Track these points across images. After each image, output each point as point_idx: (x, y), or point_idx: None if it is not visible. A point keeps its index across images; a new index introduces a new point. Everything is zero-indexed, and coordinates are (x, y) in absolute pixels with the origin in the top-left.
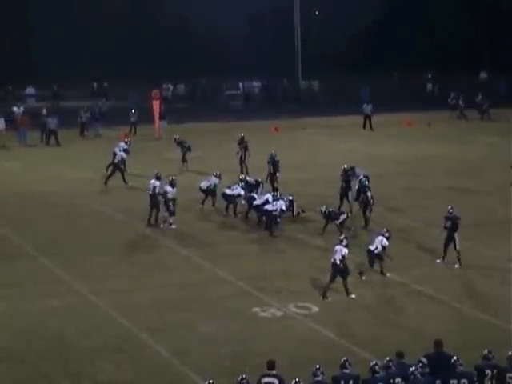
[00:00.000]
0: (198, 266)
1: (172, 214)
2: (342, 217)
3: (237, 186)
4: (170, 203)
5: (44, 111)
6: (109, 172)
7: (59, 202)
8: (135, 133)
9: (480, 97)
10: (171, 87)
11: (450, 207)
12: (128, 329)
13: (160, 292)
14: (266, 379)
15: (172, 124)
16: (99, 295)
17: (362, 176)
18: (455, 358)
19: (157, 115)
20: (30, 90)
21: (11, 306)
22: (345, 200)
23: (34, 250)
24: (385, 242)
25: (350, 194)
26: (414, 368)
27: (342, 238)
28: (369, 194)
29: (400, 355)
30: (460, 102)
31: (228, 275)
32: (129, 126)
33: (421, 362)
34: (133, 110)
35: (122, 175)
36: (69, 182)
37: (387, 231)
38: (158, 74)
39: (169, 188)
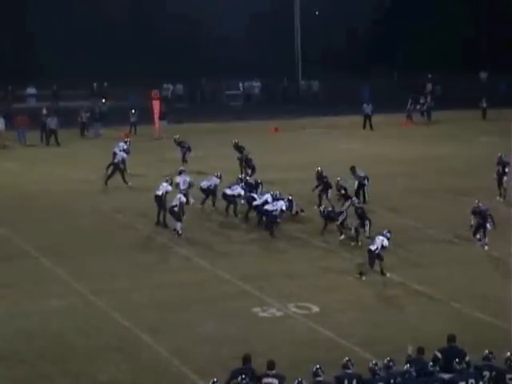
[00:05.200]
0: (198, 266)
1: (180, 220)
2: (341, 217)
3: (237, 186)
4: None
5: (44, 111)
6: (109, 172)
7: (59, 202)
8: (135, 133)
9: (428, 98)
10: (171, 87)
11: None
12: (128, 329)
13: (160, 292)
14: (266, 380)
15: (172, 124)
16: (99, 295)
17: (362, 176)
18: (487, 351)
19: (156, 115)
20: (31, 90)
21: (11, 306)
22: (324, 197)
23: (34, 250)
24: (385, 242)
25: (329, 192)
26: (407, 366)
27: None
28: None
29: (420, 351)
30: (410, 105)
31: (228, 275)
32: (129, 126)
33: (435, 356)
34: (133, 110)
35: (122, 175)
36: (69, 181)
37: (388, 232)
38: (157, 74)
39: (183, 198)
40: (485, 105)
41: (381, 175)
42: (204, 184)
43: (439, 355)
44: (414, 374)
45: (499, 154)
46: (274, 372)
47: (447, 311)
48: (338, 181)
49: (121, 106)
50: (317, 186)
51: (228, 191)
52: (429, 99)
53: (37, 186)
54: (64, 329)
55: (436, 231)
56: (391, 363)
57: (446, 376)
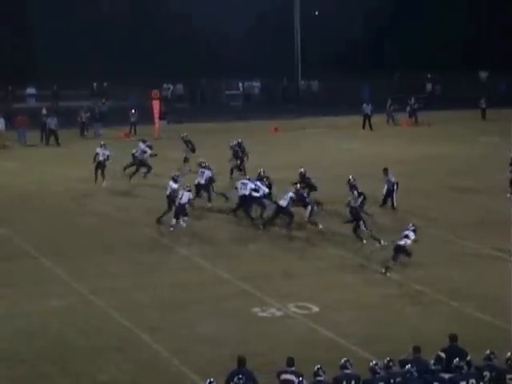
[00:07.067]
0: (198, 266)
1: (187, 215)
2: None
3: (259, 184)
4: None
5: (44, 111)
6: (133, 170)
7: (59, 202)
8: (135, 133)
9: (412, 100)
10: (171, 87)
11: None
12: (128, 328)
13: (160, 291)
14: (284, 376)
15: (172, 124)
16: (99, 295)
17: (393, 181)
18: (488, 351)
19: (156, 115)
20: (31, 90)
21: (11, 306)
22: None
23: (34, 250)
24: (411, 235)
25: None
26: (409, 366)
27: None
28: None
29: (417, 350)
30: (390, 107)
31: (228, 275)
32: (128, 126)
33: (438, 356)
34: (132, 110)
35: (136, 171)
36: (69, 181)
37: (413, 225)
38: (157, 74)
39: (190, 196)
40: (484, 105)
41: (381, 175)
42: (199, 180)
43: (443, 355)
44: (415, 374)
45: (511, 155)
46: (292, 369)
47: (447, 311)
48: (350, 179)
49: (121, 106)
50: (295, 183)
51: (254, 194)
52: (412, 101)
53: (37, 185)
54: (64, 329)
55: (436, 231)
56: (391, 363)
57: (447, 376)
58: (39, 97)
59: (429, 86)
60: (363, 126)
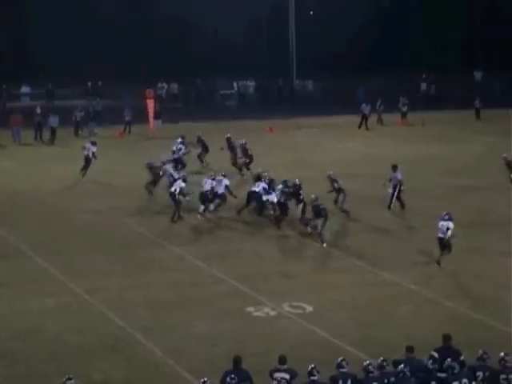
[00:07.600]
0: (193, 265)
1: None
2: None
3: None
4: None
5: (38, 110)
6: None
7: (54, 201)
8: (129, 132)
9: (401, 101)
10: (166, 86)
11: None
12: (123, 328)
13: (154, 291)
14: (278, 374)
15: (167, 123)
16: (94, 294)
17: (399, 179)
18: (481, 351)
19: (151, 114)
20: (25, 89)
21: (6, 305)
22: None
23: (30, 250)
24: (450, 225)
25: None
26: (402, 366)
27: (445, 213)
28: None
29: (410, 350)
30: (379, 107)
31: (222, 274)
32: (123, 126)
33: (432, 356)
34: (127, 109)
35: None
36: (63, 180)
37: (446, 214)
38: (152, 74)
39: (209, 182)
40: (478, 105)
41: (376, 175)
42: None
43: (436, 355)
44: (408, 373)
45: None
46: (285, 367)
47: (442, 311)
48: (330, 174)
49: (115, 105)
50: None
51: (253, 188)
52: (402, 101)
53: (31, 184)
54: (59, 328)
55: (432, 230)
56: (385, 363)
57: (440, 375)
58: (34, 96)
59: (423, 86)
60: (359, 126)
